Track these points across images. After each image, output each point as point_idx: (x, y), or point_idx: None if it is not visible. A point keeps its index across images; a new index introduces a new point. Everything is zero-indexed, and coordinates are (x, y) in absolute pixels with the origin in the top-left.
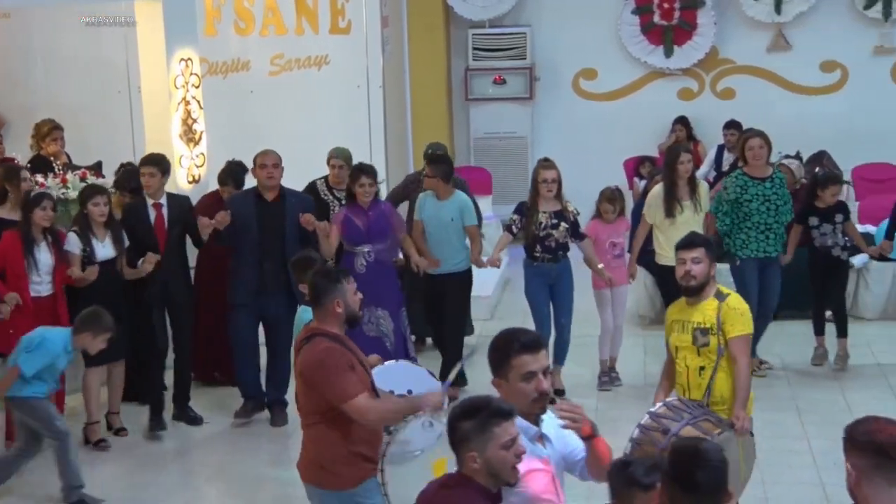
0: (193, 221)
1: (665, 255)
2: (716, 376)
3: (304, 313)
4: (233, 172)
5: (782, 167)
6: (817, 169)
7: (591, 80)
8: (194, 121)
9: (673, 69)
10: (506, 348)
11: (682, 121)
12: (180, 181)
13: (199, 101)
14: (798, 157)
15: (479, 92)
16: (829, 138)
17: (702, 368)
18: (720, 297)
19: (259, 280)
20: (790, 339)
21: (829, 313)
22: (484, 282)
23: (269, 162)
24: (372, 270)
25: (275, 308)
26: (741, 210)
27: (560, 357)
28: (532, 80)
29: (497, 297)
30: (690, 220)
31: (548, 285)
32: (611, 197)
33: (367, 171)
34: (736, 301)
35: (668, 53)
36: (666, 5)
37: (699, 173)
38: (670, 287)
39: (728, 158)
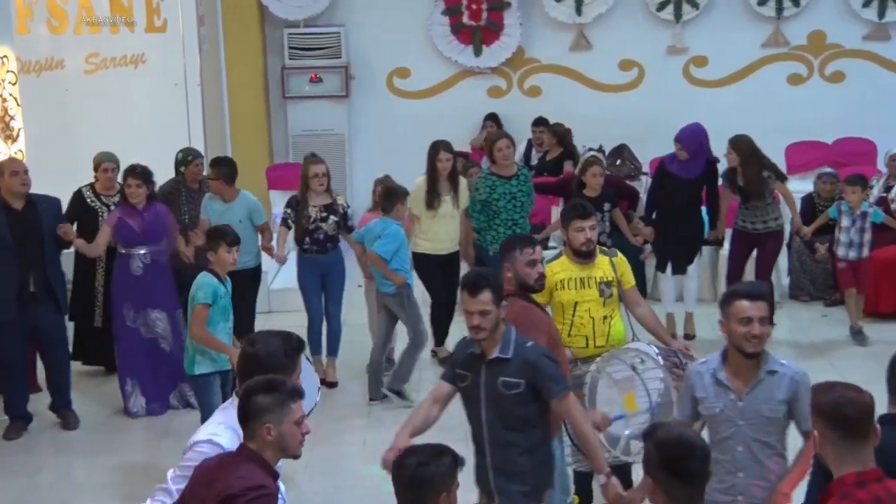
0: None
1: (423, 245)
2: (614, 323)
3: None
4: None
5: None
6: (618, 161)
7: (405, 78)
8: (11, 118)
9: (482, 68)
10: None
11: (492, 117)
12: None
13: (16, 99)
14: (601, 150)
15: (296, 90)
16: (629, 133)
17: (605, 318)
18: (609, 253)
19: (23, 293)
20: None
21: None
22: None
23: (21, 168)
24: (148, 272)
25: (43, 319)
26: (490, 208)
27: (333, 348)
28: (347, 78)
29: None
30: (448, 214)
31: (319, 276)
32: (404, 194)
33: (137, 172)
34: (622, 255)
35: (478, 53)
36: (474, 6)
37: None
38: (429, 277)
39: (536, 154)
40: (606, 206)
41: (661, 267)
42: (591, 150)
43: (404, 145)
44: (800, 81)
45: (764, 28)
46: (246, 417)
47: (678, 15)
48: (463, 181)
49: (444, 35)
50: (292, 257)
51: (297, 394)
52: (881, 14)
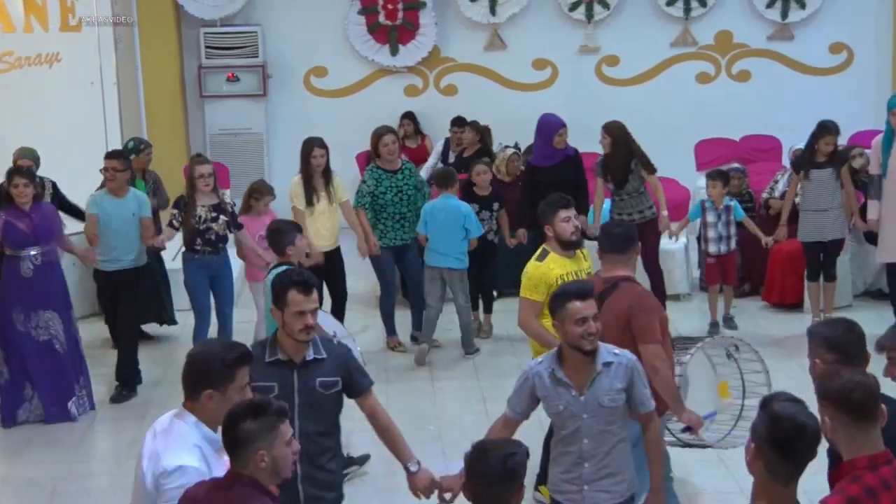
0: None
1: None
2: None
3: None
4: None
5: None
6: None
7: (322, 77)
8: None
9: (399, 67)
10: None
11: (409, 116)
12: None
13: None
14: (517, 147)
15: (213, 89)
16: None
17: None
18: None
19: None
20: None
21: None
22: None
23: None
24: (39, 273)
25: None
26: (378, 202)
27: None
28: (265, 77)
29: None
30: (326, 210)
31: (209, 277)
32: (260, 189)
33: (23, 171)
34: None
35: (394, 52)
36: (390, 6)
37: (427, 165)
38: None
39: (454, 152)
40: (495, 206)
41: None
42: (506, 147)
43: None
44: (708, 80)
45: (673, 28)
46: (235, 445)
47: (590, 15)
48: (337, 177)
49: (361, 34)
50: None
51: (283, 413)
52: (784, 15)
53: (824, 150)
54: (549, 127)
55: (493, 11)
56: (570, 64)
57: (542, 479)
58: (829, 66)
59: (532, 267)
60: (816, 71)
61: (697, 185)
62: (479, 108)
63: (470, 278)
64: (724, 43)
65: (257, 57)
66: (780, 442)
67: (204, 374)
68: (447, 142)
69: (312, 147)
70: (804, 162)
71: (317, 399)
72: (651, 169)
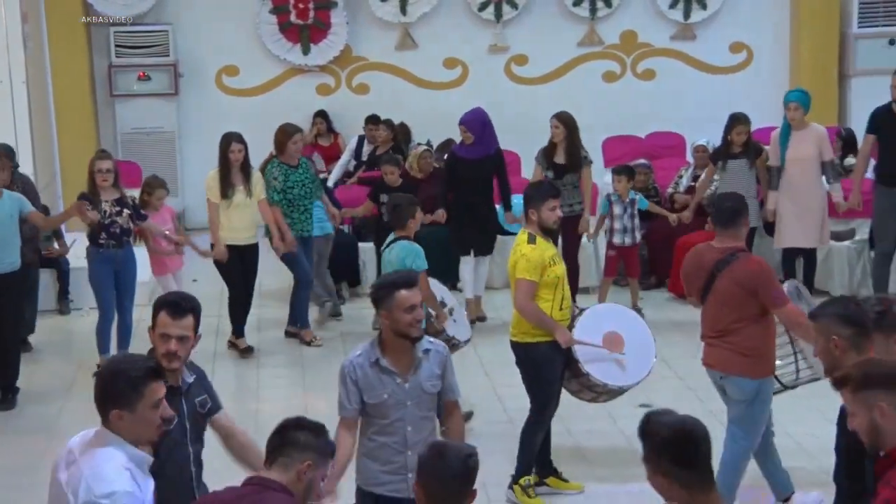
0: None
1: (224, 234)
2: None
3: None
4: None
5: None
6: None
7: (234, 76)
8: None
9: (310, 66)
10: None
11: (321, 114)
12: None
13: None
14: (429, 144)
15: (124, 88)
16: (455, 128)
17: None
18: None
19: None
20: None
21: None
22: None
23: None
24: None
25: None
26: (286, 196)
27: (126, 342)
28: (176, 76)
29: None
30: (243, 203)
31: (113, 271)
32: (151, 184)
33: None
34: None
35: (306, 51)
36: (301, 5)
37: (340, 162)
38: (228, 266)
39: (367, 149)
40: None
41: (463, 251)
42: (418, 144)
43: None
44: (614, 79)
45: (579, 28)
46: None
47: (499, 15)
48: (256, 172)
49: (272, 33)
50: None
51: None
52: (686, 15)
53: (738, 141)
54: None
55: (403, 11)
56: (480, 63)
57: (543, 472)
58: (730, 64)
59: (529, 250)
60: (718, 70)
61: (605, 180)
62: (390, 106)
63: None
64: (628, 42)
65: (168, 56)
66: (679, 456)
67: (110, 394)
68: (360, 139)
69: (230, 142)
70: (721, 153)
71: (200, 421)
72: (590, 162)
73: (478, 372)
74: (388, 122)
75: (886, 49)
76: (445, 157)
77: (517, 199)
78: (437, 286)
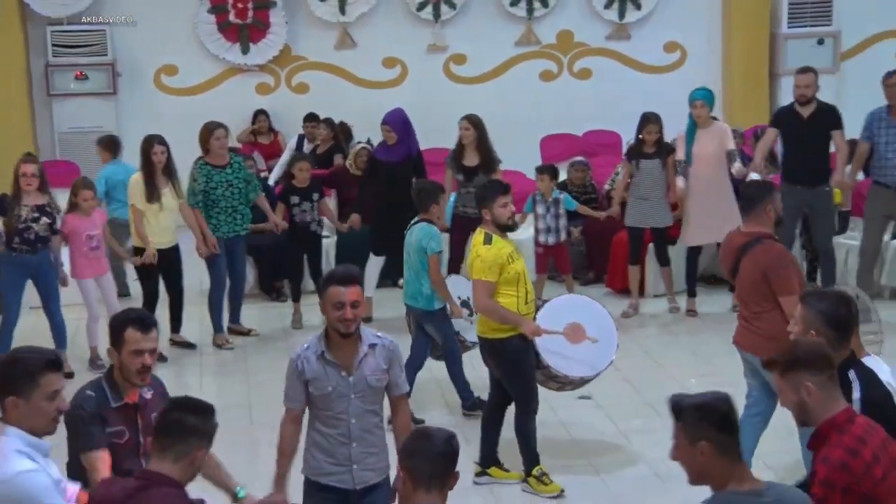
0: None
1: (151, 238)
2: None
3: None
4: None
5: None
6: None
7: (173, 75)
8: None
9: (250, 65)
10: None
11: (262, 113)
12: None
13: None
14: (369, 143)
15: (61, 87)
16: None
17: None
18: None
19: None
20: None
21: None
22: None
23: None
24: None
25: None
26: (209, 197)
27: (62, 341)
28: (114, 75)
29: None
30: (169, 207)
31: (27, 276)
32: (79, 185)
33: None
34: None
35: (245, 50)
36: (240, 5)
37: (281, 161)
38: (148, 271)
39: (307, 147)
40: (315, 196)
41: (379, 251)
42: (358, 142)
43: (174, 142)
44: (551, 78)
45: (517, 28)
46: (177, 433)
47: (437, 15)
48: (178, 175)
49: (211, 33)
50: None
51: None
52: (621, 15)
53: (650, 140)
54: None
55: (342, 11)
56: (418, 62)
57: (486, 462)
58: (664, 64)
59: (484, 251)
60: (652, 69)
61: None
62: (330, 105)
63: (296, 267)
64: (565, 42)
65: (106, 55)
66: (723, 421)
67: (6, 381)
68: (301, 138)
69: (152, 144)
70: (635, 152)
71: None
72: (498, 163)
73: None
74: (329, 121)
75: (815, 48)
76: (366, 160)
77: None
78: (461, 283)
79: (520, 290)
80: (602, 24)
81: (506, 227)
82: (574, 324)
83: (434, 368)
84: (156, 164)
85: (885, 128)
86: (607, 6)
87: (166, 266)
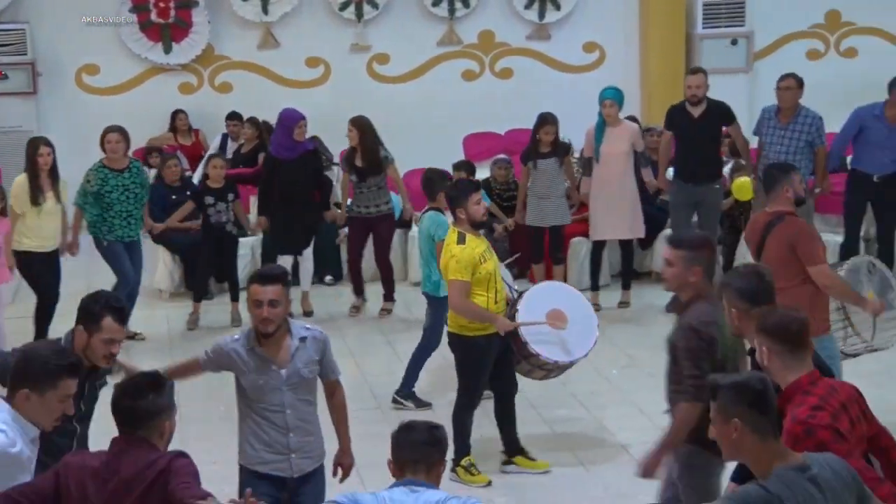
0: None
1: (27, 242)
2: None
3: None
4: None
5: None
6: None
7: (94, 75)
8: None
9: (172, 65)
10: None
11: (180, 112)
12: None
13: None
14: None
15: None
16: (319, 126)
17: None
18: None
19: None
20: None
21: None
22: None
23: None
24: None
25: None
26: (104, 200)
27: None
28: (34, 75)
29: None
30: (53, 210)
31: None
32: None
33: None
34: None
35: (167, 50)
36: (162, 4)
37: (204, 160)
38: (37, 275)
39: (231, 146)
40: (230, 197)
41: (282, 250)
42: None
43: (95, 142)
44: (473, 77)
45: (439, 27)
46: (144, 417)
47: (360, 14)
48: (63, 177)
49: (133, 32)
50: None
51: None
52: (541, 15)
53: (546, 140)
54: (290, 120)
55: (265, 10)
56: (342, 62)
57: (510, 452)
58: (583, 63)
59: (458, 250)
60: (572, 69)
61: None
62: (254, 104)
63: (203, 267)
64: (486, 42)
65: (26, 54)
66: (756, 400)
67: (24, 373)
68: (224, 137)
69: (38, 146)
70: (531, 153)
71: (92, 405)
72: (389, 160)
73: (347, 361)
74: (253, 120)
75: (729, 49)
76: (263, 159)
77: None
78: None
79: (490, 290)
80: (523, 24)
81: (480, 225)
82: (554, 310)
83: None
84: (41, 165)
85: (771, 128)
86: (527, 6)
87: (49, 269)
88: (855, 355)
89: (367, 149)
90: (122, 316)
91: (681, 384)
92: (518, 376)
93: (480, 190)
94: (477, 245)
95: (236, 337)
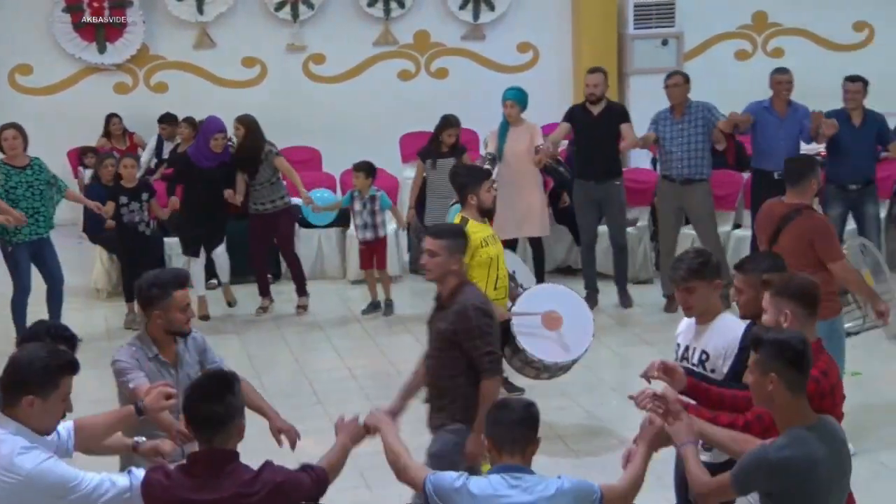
0: None
1: None
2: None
3: None
4: None
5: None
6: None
7: (28, 75)
8: None
9: (107, 65)
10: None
11: (114, 116)
12: None
13: None
14: (230, 141)
15: None
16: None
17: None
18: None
19: None
20: None
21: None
22: None
23: None
24: None
25: None
26: (9, 197)
27: None
28: None
29: None
30: None
31: None
32: None
33: None
34: None
35: (102, 50)
36: (96, 4)
37: (141, 161)
38: None
39: (167, 146)
40: (145, 196)
41: (193, 252)
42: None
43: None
44: (409, 77)
45: (374, 28)
46: (220, 422)
47: (295, 15)
48: None
49: (67, 32)
50: None
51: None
52: (476, 16)
53: (448, 142)
54: (208, 130)
55: (200, 10)
56: (278, 62)
57: None
58: (518, 63)
59: None
60: (506, 69)
61: (404, 175)
62: (190, 105)
63: (129, 268)
64: (422, 42)
65: None
66: (795, 358)
67: (25, 380)
68: (160, 138)
69: None
70: (431, 152)
71: None
72: (275, 154)
73: (287, 359)
74: (190, 120)
75: (660, 49)
76: (178, 158)
77: (320, 193)
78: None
79: (490, 274)
80: (457, 24)
81: (488, 211)
82: (551, 312)
83: None
84: None
85: (669, 125)
86: (462, 7)
87: None
88: (857, 333)
89: (245, 146)
90: (77, 370)
91: (458, 369)
92: (518, 376)
93: (491, 177)
94: (479, 230)
95: (132, 346)
